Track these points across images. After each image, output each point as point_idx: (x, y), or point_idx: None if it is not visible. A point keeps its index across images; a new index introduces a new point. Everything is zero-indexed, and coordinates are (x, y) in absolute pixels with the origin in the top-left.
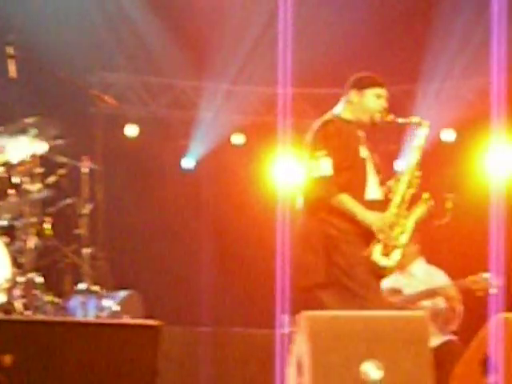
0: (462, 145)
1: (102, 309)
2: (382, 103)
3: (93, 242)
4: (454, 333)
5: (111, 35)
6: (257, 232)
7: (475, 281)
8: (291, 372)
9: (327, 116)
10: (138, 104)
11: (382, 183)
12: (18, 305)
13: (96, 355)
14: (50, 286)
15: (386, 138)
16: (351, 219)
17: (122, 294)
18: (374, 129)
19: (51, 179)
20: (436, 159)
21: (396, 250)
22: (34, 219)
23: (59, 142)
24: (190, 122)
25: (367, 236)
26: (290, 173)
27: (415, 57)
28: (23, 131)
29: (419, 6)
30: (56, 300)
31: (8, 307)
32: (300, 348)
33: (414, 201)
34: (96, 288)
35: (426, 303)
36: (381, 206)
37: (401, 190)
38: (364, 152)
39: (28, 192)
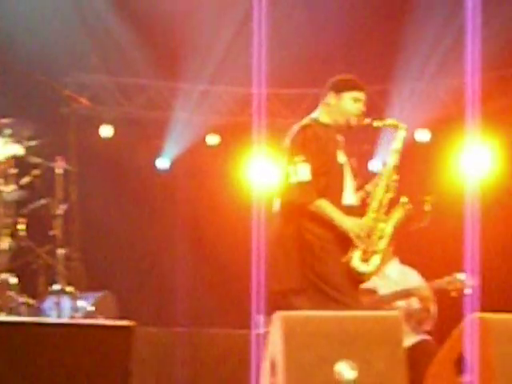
0: (437, 145)
1: (76, 309)
2: (359, 107)
3: (67, 242)
4: (429, 333)
5: (86, 36)
6: (232, 232)
7: (450, 281)
8: (265, 372)
9: (305, 121)
10: (113, 105)
11: (359, 188)
12: None
13: (70, 356)
14: (24, 287)
15: (360, 138)
16: (329, 225)
17: (97, 294)
18: (350, 132)
19: (25, 180)
20: (411, 159)
21: (375, 255)
22: (7, 220)
23: (33, 142)
24: (164, 122)
25: (344, 241)
26: (264, 173)
27: (389, 57)
28: None
29: (392, 5)
30: (30, 301)
31: None
32: (274, 348)
33: (392, 204)
34: (70, 289)
35: (400, 303)
36: (358, 211)
37: (379, 194)
38: (342, 157)
39: (2, 193)
